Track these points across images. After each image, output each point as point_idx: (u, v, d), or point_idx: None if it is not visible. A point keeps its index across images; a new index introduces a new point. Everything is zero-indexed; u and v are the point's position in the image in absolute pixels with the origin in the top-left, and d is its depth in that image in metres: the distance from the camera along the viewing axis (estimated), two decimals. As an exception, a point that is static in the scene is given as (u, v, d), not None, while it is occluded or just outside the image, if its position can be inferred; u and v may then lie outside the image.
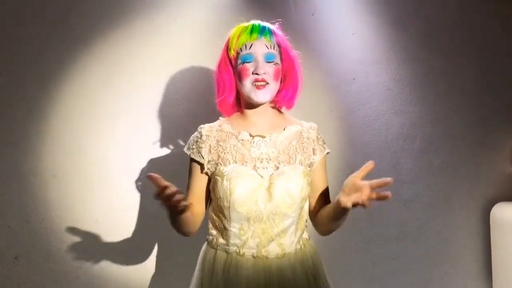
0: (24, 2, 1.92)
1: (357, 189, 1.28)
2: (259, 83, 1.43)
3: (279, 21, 1.57)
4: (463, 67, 2.54)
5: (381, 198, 1.25)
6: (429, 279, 2.49)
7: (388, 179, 1.24)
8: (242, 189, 1.41)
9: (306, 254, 1.51)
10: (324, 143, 1.59)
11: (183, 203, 1.28)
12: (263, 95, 1.45)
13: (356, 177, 1.29)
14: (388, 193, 1.24)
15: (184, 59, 2.08)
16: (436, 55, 2.47)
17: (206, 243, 1.55)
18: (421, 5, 2.47)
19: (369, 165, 1.28)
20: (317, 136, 1.57)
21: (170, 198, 1.24)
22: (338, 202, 1.32)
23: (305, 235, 1.55)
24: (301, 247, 1.50)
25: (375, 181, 1.25)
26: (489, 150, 2.63)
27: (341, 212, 1.36)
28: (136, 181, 2.02)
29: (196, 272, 1.52)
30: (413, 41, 2.44)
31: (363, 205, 1.26)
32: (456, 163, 2.53)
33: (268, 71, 1.44)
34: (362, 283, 2.38)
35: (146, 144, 2.05)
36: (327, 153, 1.59)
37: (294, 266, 1.46)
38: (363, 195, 1.25)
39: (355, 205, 1.28)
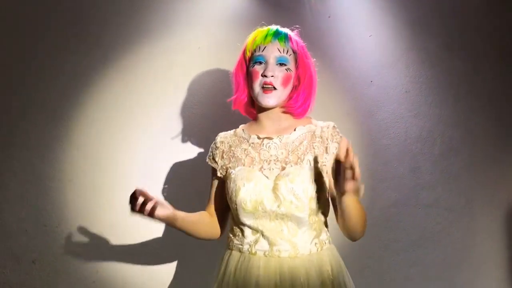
0: (45, 14, 1.95)
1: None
2: (266, 86, 1.46)
3: (297, 27, 1.57)
4: (484, 69, 2.47)
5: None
6: (450, 286, 2.43)
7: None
8: (246, 190, 1.43)
9: (324, 258, 1.47)
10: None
11: (150, 204, 1.33)
12: (268, 100, 1.47)
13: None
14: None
15: (199, 63, 2.09)
16: (456, 56, 2.42)
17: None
18: (440, 6, 2.42)
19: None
20: (331, 134, 1.53)
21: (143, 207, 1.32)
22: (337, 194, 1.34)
23: (324, 238, 1.51)
24: (317, 250, 1.47)
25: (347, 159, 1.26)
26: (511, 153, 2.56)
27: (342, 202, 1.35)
28: (152, 185, 2.02)
29: (215, 275, 1.54)
30: (432, 42, 2.39)
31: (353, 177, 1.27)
32: (478, 167, 2.47)
33: (277, 75, 1.46)
34: (380, 289, 2.34)
35: (162, 148, 2.06)
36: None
37: (308, 269, 1.43)
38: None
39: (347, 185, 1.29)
